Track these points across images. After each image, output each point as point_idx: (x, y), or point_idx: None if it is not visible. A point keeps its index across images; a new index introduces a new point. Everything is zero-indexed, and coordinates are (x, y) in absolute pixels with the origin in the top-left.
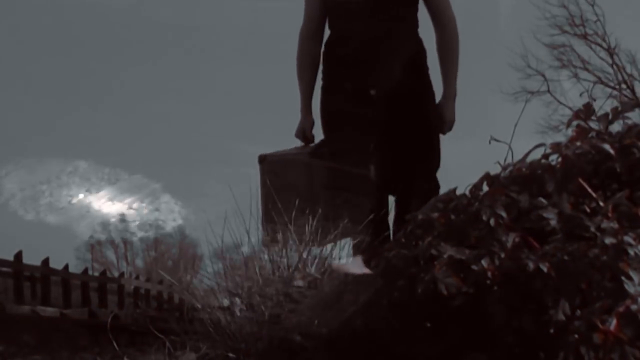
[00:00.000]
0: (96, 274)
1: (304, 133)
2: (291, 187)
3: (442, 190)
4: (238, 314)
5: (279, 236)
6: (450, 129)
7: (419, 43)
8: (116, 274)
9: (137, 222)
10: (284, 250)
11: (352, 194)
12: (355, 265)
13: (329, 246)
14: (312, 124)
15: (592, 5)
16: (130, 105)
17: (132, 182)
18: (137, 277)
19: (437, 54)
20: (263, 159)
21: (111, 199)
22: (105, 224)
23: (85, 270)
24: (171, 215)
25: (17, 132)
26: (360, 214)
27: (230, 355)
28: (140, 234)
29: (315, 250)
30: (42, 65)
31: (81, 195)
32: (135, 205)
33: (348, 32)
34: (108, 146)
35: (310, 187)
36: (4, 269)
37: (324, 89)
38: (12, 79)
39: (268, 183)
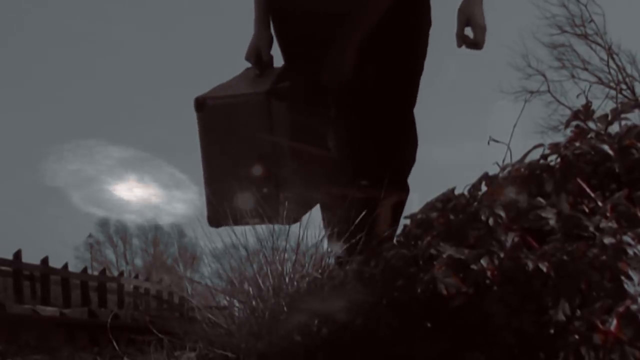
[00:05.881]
0: (95, 273)
1: (258, 53)
2: (243, 142)
3: (441, 189)
4: (237, 314)
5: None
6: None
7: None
8: (115, 273)
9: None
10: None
11: (323, 150)
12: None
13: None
14: (271, 41)
15: (586, 5)
16: None
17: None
18: (136, 277)
19: None
20: (202, 104)
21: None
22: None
23: (85, 269)
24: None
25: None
26: (336, 178)
27: (230, 355)
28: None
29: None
30: None
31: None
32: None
33: None
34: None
35: (271, 141)
36: (4, 267)
37: None
38: None
39: (213, 140)
